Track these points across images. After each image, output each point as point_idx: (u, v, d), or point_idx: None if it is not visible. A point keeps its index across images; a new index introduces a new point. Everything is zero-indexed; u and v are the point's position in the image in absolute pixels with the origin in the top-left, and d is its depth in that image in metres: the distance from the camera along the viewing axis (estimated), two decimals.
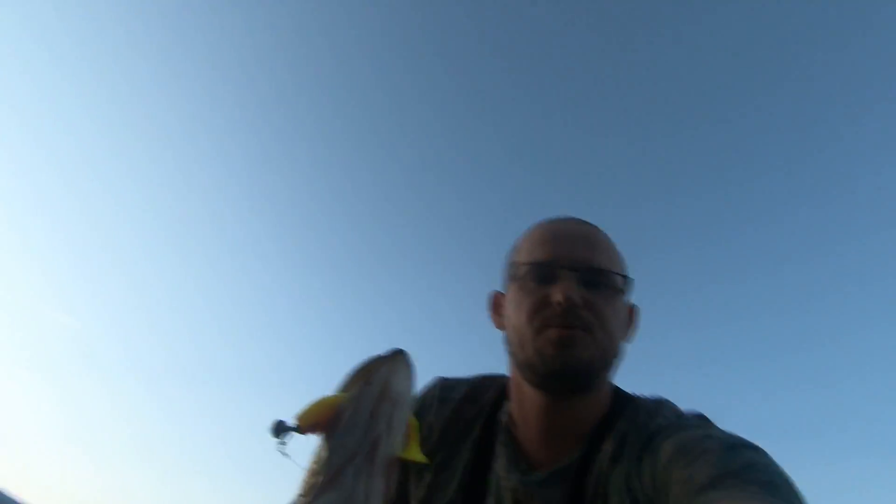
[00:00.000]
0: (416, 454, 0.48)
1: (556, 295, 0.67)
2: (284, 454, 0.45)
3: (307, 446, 0.48)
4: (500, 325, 0.81)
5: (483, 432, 0.78)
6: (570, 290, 0.67)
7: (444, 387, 0.85)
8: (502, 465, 0.73)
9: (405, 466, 0.80)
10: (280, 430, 0.44)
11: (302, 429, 0.44)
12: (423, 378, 0.89)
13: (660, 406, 0.74)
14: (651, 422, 0.69)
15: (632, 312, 0.80)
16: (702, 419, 0.72)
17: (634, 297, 0.79)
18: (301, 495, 0.41)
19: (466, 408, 0.81)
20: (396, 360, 0.46)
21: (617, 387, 0.78)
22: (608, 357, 0.71)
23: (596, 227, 0.79)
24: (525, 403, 0.74)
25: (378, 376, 0.45)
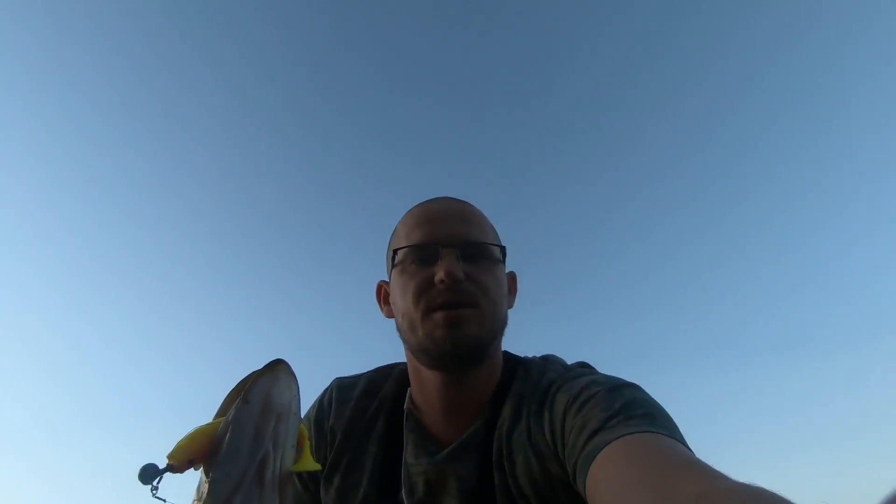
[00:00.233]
0: (310, 464, 0.46)
1: (439, 273, 0.68)
2: (161, 500, 0.40)
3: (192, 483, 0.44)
4: (389, 314, 0.81)
5: (388, 424, 0.77)
6: (452, 267, 0.68)
7: (341, 387, 0.83)
8: (411, 451, 0.74)
9: (313, 475, 0.78)
10: (150, 474, 0.39)
11: (176, 467, 0.40)
12: (322, 382, 0.87)
13: (547, 362, 0.79)
14: (542, 378, 0.74)
15: (512, 279, 0.83)
16: (585, 366, 0.78)
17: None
18: None
19: (366, 403, 0.80)
20: (275, 371, 0.43)
21: (506, 352, 0.81)
22: (496, 327, 0.73)
23: (466, 202, 0.80)
24: (425, 386, 0.75)
25: (256, 392, 0.42)
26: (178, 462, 0.40)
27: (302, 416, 0.60)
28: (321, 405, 0.82)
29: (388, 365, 0.87)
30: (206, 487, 0.39)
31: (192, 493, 0.42)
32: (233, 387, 0.46)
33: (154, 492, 0.39)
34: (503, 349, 0.80)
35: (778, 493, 0.37)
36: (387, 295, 0.81)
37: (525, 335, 0.78)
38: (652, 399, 0.62)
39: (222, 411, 0.44)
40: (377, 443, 0.76)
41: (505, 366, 0.78)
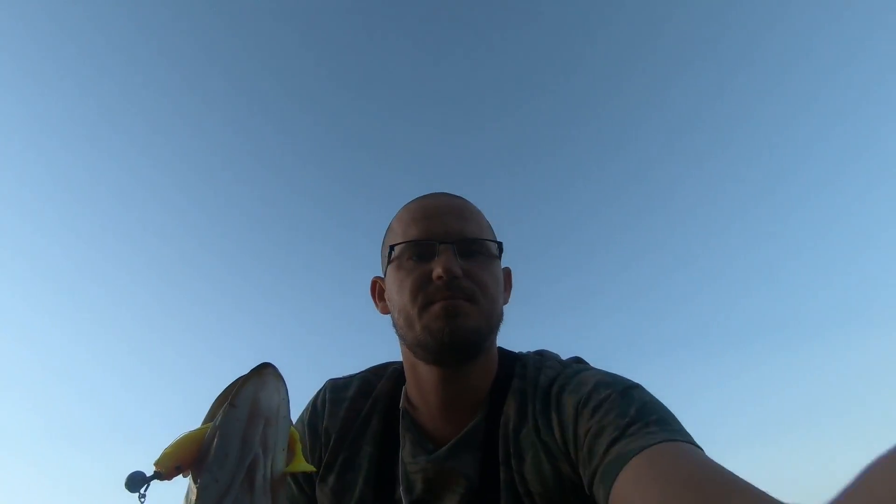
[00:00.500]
0: (303, 465, 0.46)
1: (437, 269, 0.68)
2: None
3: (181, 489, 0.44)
4: (384, 311, 0.80)
5: (383, 424, 0.77)
6: (450, 263, 0.68)
7: (334, 388, 0.83)
8: (408, 450, 0.73)
9: (307, 477, 0.77)
10: (136, 482, 0.39)
11: (163, 474, 0.39)
12: (314, 384, 0.86)
13: (542, 358, 0.79)
14: (541, 375, 0.73)
15: (507, 275, 0.82)
16: (579, 362, 0.78)
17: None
18: None
19: (360, 403, 0.80)
20: (262, 374, 0.43)
21: (500, 348, 0.81)
22: (492, 322, 0.73)
23: (462, 198, 0.80)
24: (422, 382, 0.75)
25: (243, 396, 0.41)
26: (166, 469, 0.39)
27: (294, 420, 0.59)
28: (314, 407, 0.81)
29: (381, 364, 0.86)
30: (194, 494, 0.39)
31: (181, 501, 0.42)
32: (220, 392, 0.45)
33: (142, 499, 0.39)
34: (498, 345, 0.80)
35: None
36: (382, 291, 0.81)
37: (511, 330, 0.78)
38: (657, 399, 0.63)
39: (210, 417, 0.44)
40: (372, 442, 0.75)
41: (500, 362, 0.78)
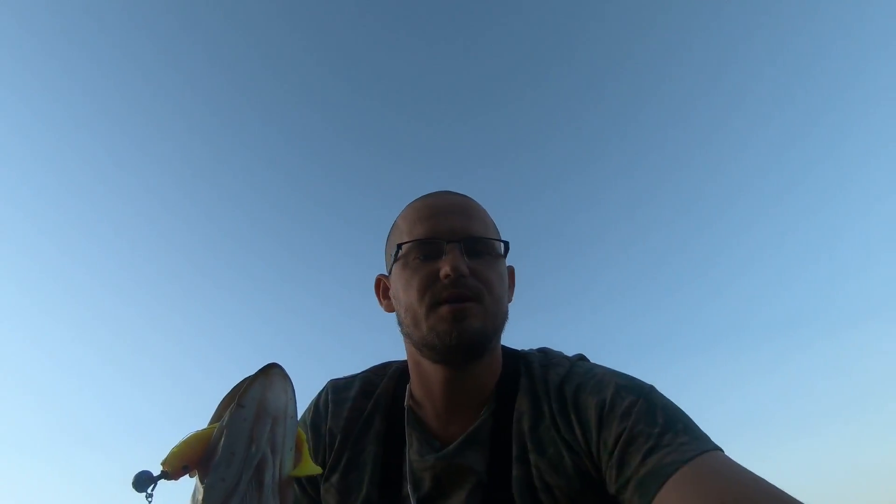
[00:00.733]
0: (311, 468, 0.46)
1: (444, 268, 0.68)
2: None
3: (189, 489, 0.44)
4: (389, 308, 0.80)
5: (387, 423, 0.77)
6: (457, 262, 0.68)
7: (336, 388, 0.83)
8: (415, 449, 0.73)
9: (311, 478, 0.77)
10: (144, 482, 0.39)
11: (171, 474, 0.39)
12: (316, 385, 0.86)
13: (547, 356, 0.79)
14: (550, 373, 0.74)
15: (511, 274, 0.83)
16: (582, 359, 0.78)
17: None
18: None
19: (363, 403, 0.80)
20: (269, 375, 0.43)
21: (503, 346, 0.81)
22: (498, 321, 0.73)
23: (468, 196, 0.80)
24: (427, 380, 0.75)
25: (250, 396, 0.41)
26: (173, 468, 0.39)
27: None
28: (317, 408, 0.81)
29: (381, 364, 0.86)
30: (201, 494, 0.39)
31: (188, 501, 0.42)
32: (227, 392, 0.45)
33: (149, 499, 0.39)
34: (501, 344, 0.80)
35: None
36: (386, 289, 0.81)
37: (510, 326, 0.79)
38: (672, 402, 0.65)
39: (217, 417, 0.44)
40: (376, 441, 0.75)
41: (505, 360, 0.78)
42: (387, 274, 0.81)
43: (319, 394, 0.84)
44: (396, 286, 0.75)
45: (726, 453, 0.57)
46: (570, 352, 0.81)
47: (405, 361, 0.82)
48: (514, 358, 0.79)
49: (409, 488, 0.70)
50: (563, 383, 0.71)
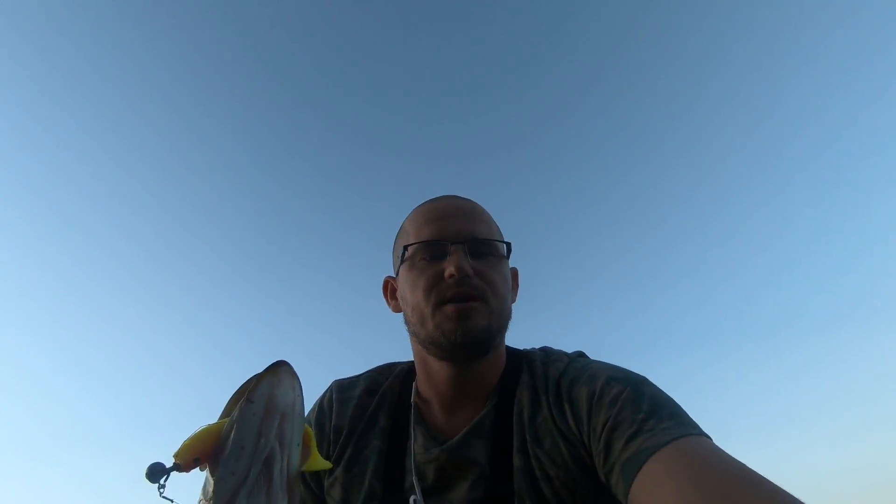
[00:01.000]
0: (320, 463, 0.47)
1: (449, 268, 0.71)
2: (168, 500, 0.41)
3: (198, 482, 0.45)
4: (396, 309, 0.83)
5: (392, 419, 0.79)
6: (462, 262, 0.71)
7: (341, 387, 0.85)
8: (420, 443, 0.75)
9: (315, 475, 0.79)
10: (157, 473, 0.40)
11: (182, 466, 0.41)
12: (321, 384, 0.88)
13: (547, 353, 0.81)
14: (549, 368, 0.76)
15: (515, 275, 0.85)
16: (582, 356, 0.81)
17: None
18: None
19: (368, 401, 0.82)
20: (277, 371, 0.44)
21: (507, 346, 0.83)
22: (502, 320, 0.75)
23: (472, 200, 0.83)
24: (433, 376, 0.77)
25: (259, 392, 0.43)
26: (184, 461, 0.40)
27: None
28: (321, 407, 0.83)
29: (386, 364, 0.89)
30: (211, 487, 0.40)
31: (199, 494, 0.43)
32: (236, 390, 0.47)
33: (161, 490, 0.40)
34: (505, 343, 0.82)
35: None
36: (394, 290, 0.83)
37: (513, 325, 0.81)
38: (664, 392, 0.66)
39: (226, 412, 0.45)
40: (380, 437, 0.77)
41: (508, 358, 0.81)
42: (394, 276, 0.84)
43: (324, 394, 0.86)
44: (403, 286, 0.78)
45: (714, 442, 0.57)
46: (568, 351, 0.83)
47: (410, 362, 0.85)
48: (517, 356, 0.81)
49: (413, 480, 0.72)
50: (560, 378, 0.73)
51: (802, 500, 0.44)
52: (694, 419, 0.61)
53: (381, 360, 0.90)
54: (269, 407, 0.43)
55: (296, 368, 0.47)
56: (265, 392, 0.43)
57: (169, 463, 0.41)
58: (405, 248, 0.77)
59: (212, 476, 0.41)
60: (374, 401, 0.81)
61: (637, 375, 0.69)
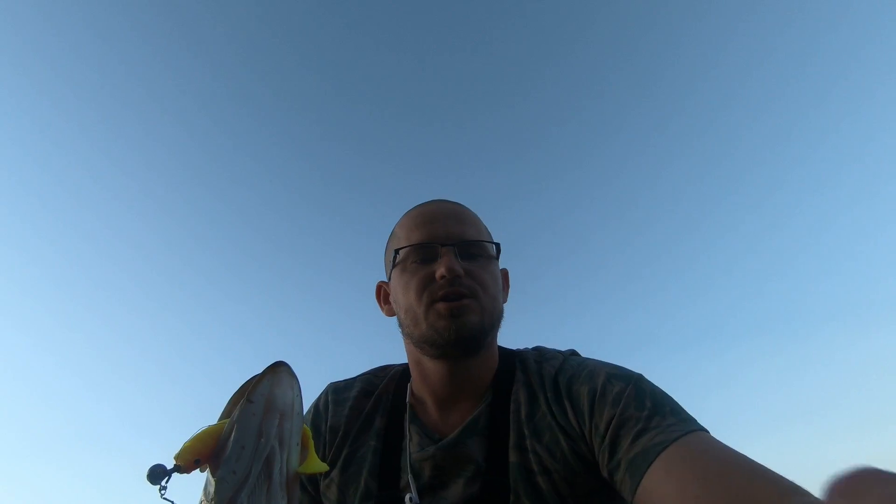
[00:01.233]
0: (317, 465, 0.48)
1: (440, 269, 0.72)
2: (169, 501, 0.41)
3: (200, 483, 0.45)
4: (389, 313, 0.84)
5: (387, 419, 0.79)
6: (452, 263, 0.72)
7: (336, 390, 0.86)
8: (416, 442, 0.76)
9: (312, 478, 0.79)
10: (158, 475, 0.40)
11: (183, 468, 0.41)
12: (318, 386, 0.89)
13: (540, 352, 0.83)
14: (544, 366, 0.78)
15: (505, 276, 0.86)
16: (575, 353, 0.82)
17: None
18: None
19: (363, 403, 0.83)
20: (277, 372, 0.45)
21: (500, 346, 0.84)
22: (493, 317, 0.77)
23: (460, 203, 0.84)
24: (427, 376, 0.78)
25: (259, 392, 0.43)
26: (185, 462, 0.41)
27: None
28: (317, 409, 0.84)
29: (381, 367, 0.90)
30: (212, 487, 0.40)
31: (200, 494, 0.44)
32: (236, 390, 0.47)
33: (162, 492, 0.40)
34: (497, 342, 0.83)
35: None
36: (386, 294, 0.85)
37: (505, 324, 0.82)
38: (660, 388, 0.68)
39: (226, 413, 0.45)
40: (376, 437, 0.78)
41: (500, 357, 0.82)
42: (386, 280, 0.85)
43: (319, 396, 0.87)
44: (396, 289, 0.79)
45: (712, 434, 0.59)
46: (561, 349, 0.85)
47: (405, 364, 0.86)
48: (510, 355, 0.82)
49: (409, 478, 0.72)
50: (557, 375, 0.75)
51: (799, 485, 0.46)
52: (691, 414, 0.63)
53: (376, 363, 0.91)
54: (269, 406, 0.43)
55: (294, 370, 0.48)
56: (265, 391, 0.43)
57: (170, 465, 0.41)
58: (396, 251, 0.78)
59: (213, 476, 0.41)
60: (369, 402, 0.82)
61: (633, 372, 0.70)
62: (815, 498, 0.43)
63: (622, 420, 0.63)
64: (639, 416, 0.62)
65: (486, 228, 0.84)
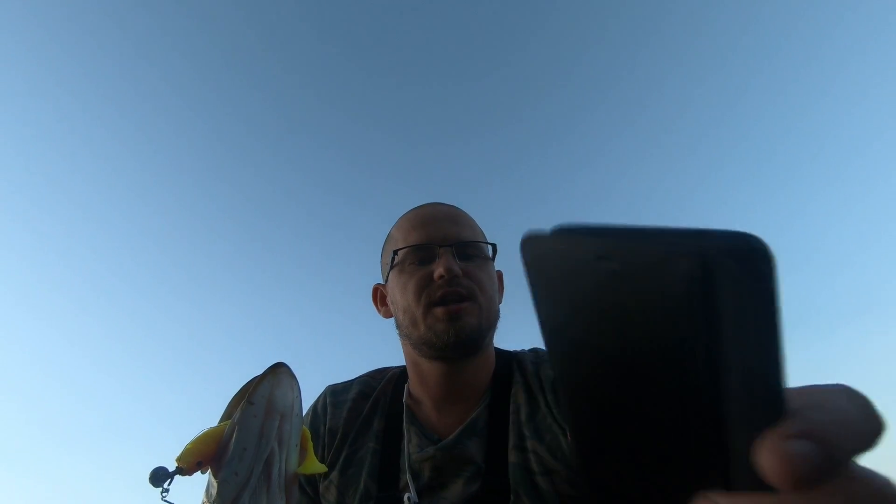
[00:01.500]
0: (316, 465, 0.48)
1: (439, 269, 0.73)
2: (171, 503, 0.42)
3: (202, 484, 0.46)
4: (387, 315, 0.85)
5: (386, 421, 0.80)
6: (451, 263, 0.73)
7: (334, 392, 0.86)
8: (415, 443, 0.76)
9: (310, 477, 0.79)
10: (160, 478, 0.41)
11: (185, 470, 0.41)
12: (316, 387, 0.89)
13: (538, 353, 0.84)
14: (542, 368, 0.79)
15: (500, 277, 0.87)
16: None
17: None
18: None
19: (361, 404, 0.83)
20: (277, 373, 0.45)
21: (496, 347, 0.85)
22: (491, 318, 0.78)
23: (455, 206, 0.85)
24: (425, 378, 0.79)
25: (259, 394, 0.43)
26: (187, 464, 0.41)
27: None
28: (315, 412, 0.84)
29: (378, 369, 0.90)
30: (214, 488, 0.41)
31: (202, 496, 0.44)
32: (236, 392, 0.47)
33: (164, 494, 0.41)
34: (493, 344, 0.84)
35: None
36: (383, 297, 0.85)
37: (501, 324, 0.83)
38: None
39: (227, 415, 0.46)
40: (375, 439, 0.78)
41: (497, 359, 0.83)
42: (383, 282, 0.86)
43: (317, 399, 0.87)
44: (394, 291, 0.80)
45: None
46: None
47: (402, 366, 0.86)
48: (507, 357, 0.83)
49: (408, 479, 0.73)
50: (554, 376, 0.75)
51: None
52: None
53: (374, 365, 0.92)
54: (270, 408, 0.43)
55: (293, 371, 0.48)
56: (265, 393, 0.44)
57: (172, 467, 0.41)
58: (395, 252, 0.79)
59: (215, 478, 0.41)
60: (367, 404, 0.83)
61: None
62: None
63: None
64: None
65: (482, 231, 0.86)
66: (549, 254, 0.20)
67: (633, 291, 0.17)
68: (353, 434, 0.80)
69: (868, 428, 0.17)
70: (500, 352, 0.85)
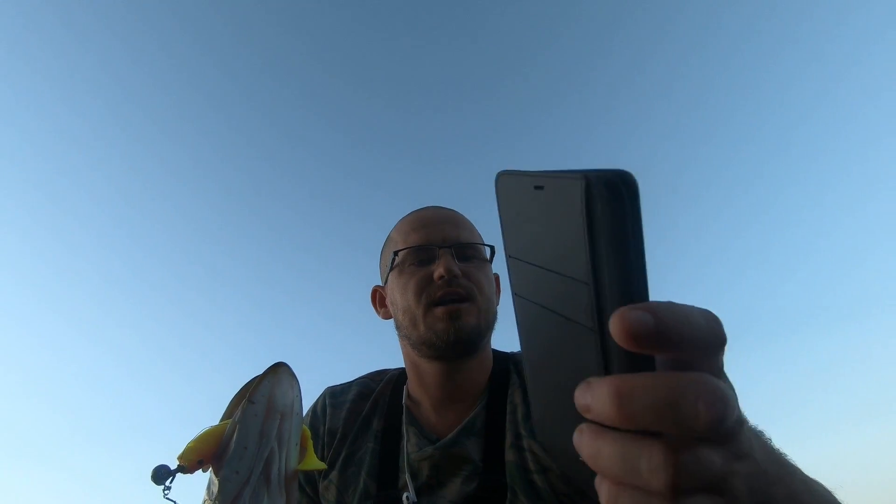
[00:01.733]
0: (315, 463, 0.49)
1: (438, 270, 0.74)
2: (172, 501, 0.42)
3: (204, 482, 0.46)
4: (386, 316, 0.86)
5: (385, 421, 0.81)
6: (450, 264, 0.75)
7: (333, 393, 0.87)
8: (413, 443, 0.77)
9: (309, 477, 0.80)
10: (162, 475, 0.41)
11: (187, 468, 0.42)
12: (316, 387, 0.90)
13: None
14: None
15: (497, 280, 0.88)
16: None
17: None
18: None
19: (361, 405, 0.84)
20: (277, 373, 0.46)
21: (493, 349, 0.86)
22: (489, 318, 0.79)
23: (454, 210, 0.87)
24: (424, 378, 0.80)
25: (260, 393, 0.44)
26: (189, 462, 0.42)
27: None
28: (314, 413, 0.85)
29: (377, 371, 0.91)
30: (215, 487, 0.41)
31: (203, 494, 0.44)
32: (237, 391, 0.48)
33: (166, 492, 0.41)
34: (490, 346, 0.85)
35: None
36: (382, 298, 0.86)
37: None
38: None
39: (228, 413, 0.46)
40: (374, 439, 0.79)
41: (495, 360, 0.84)
42: (382, 284, 0.87)
43: (317, 400, 0.88)
44: (394, 292, 0.81)
45: None
46: None
47: (401, 368, 0.87)
48: (504, 358, 0.84)
49: (406, 478, 0.73)
50: None
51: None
52: None
53: (373, 366, 0.93)
54: (270, 407, 0.44)
55: (294, 370, 0.48)
56: (266, 392, 0.44)
57: (173, 465, 0.42)
58: (395, 254, 0.80)
59: (216, 476, 0.42)
60: (366, 404, 0.84)
61: None
62: None
63: None
64: None
65: (480, 233, 0.87)
66: (509, 184, 0.28)
67: (552, 206, 0.24)
68: (352, 434, 0.80)
69: (706, 328, 0.22)
70: (497, 353, 0.86)
